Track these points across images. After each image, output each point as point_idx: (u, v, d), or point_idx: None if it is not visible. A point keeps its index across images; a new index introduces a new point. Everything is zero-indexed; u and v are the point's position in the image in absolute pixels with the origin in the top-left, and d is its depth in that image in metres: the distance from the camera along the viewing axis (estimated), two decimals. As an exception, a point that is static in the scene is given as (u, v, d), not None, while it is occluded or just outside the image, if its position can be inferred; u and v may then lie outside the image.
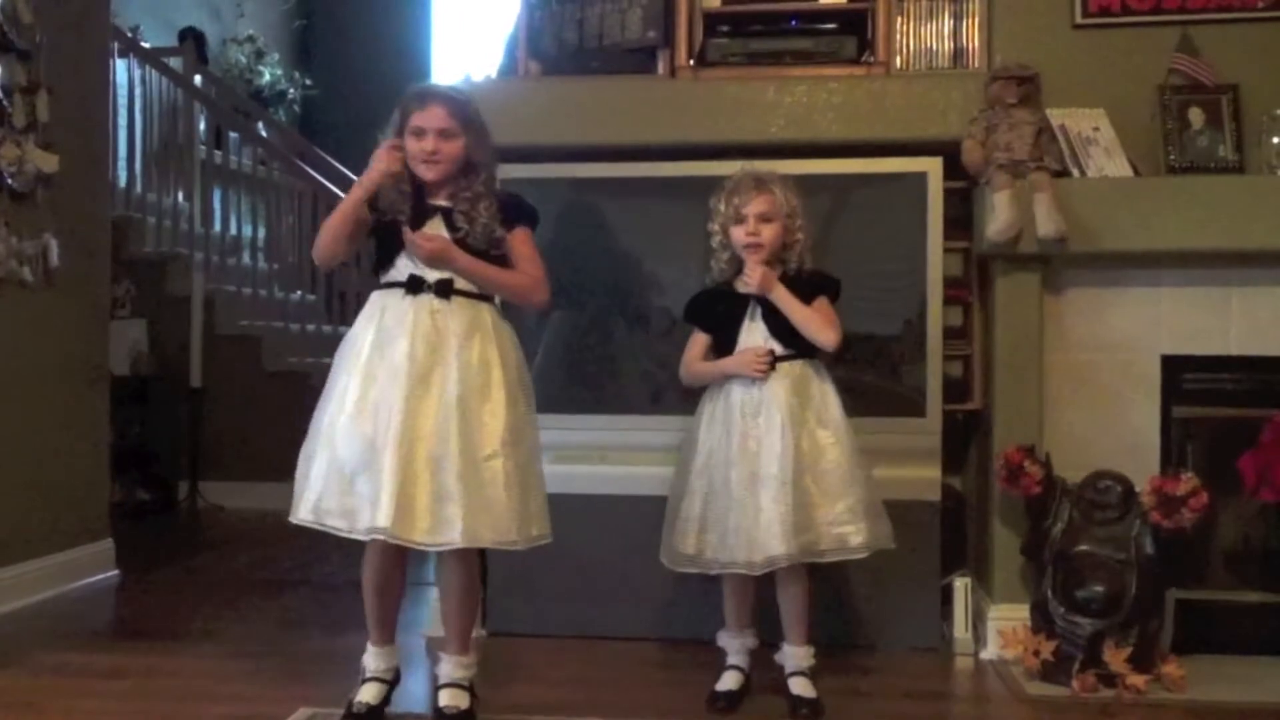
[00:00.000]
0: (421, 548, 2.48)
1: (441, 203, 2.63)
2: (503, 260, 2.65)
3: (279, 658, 3.11)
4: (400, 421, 2.44)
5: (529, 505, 2.56)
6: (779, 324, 2.73)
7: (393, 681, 2.67)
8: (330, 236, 2.65)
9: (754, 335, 2.75)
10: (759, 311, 2.75)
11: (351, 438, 2.47)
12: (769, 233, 2.73)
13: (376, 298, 2.62)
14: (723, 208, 2.78)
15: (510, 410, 2.55)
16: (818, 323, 2.71)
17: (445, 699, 2.58)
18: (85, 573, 4.02)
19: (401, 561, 2.63)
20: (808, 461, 2.65)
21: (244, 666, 3.02)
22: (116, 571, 4.17)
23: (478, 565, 2.70)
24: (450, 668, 2.62)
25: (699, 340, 2.85)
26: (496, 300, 2.67)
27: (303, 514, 2.52)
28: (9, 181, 3.61)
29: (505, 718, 2.63)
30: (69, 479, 3.99)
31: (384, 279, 2.62)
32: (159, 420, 5.87)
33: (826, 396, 2.73)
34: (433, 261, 2.56)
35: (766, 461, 2.64)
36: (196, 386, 6.03)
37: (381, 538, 2.45)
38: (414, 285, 2.56)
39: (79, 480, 4.05)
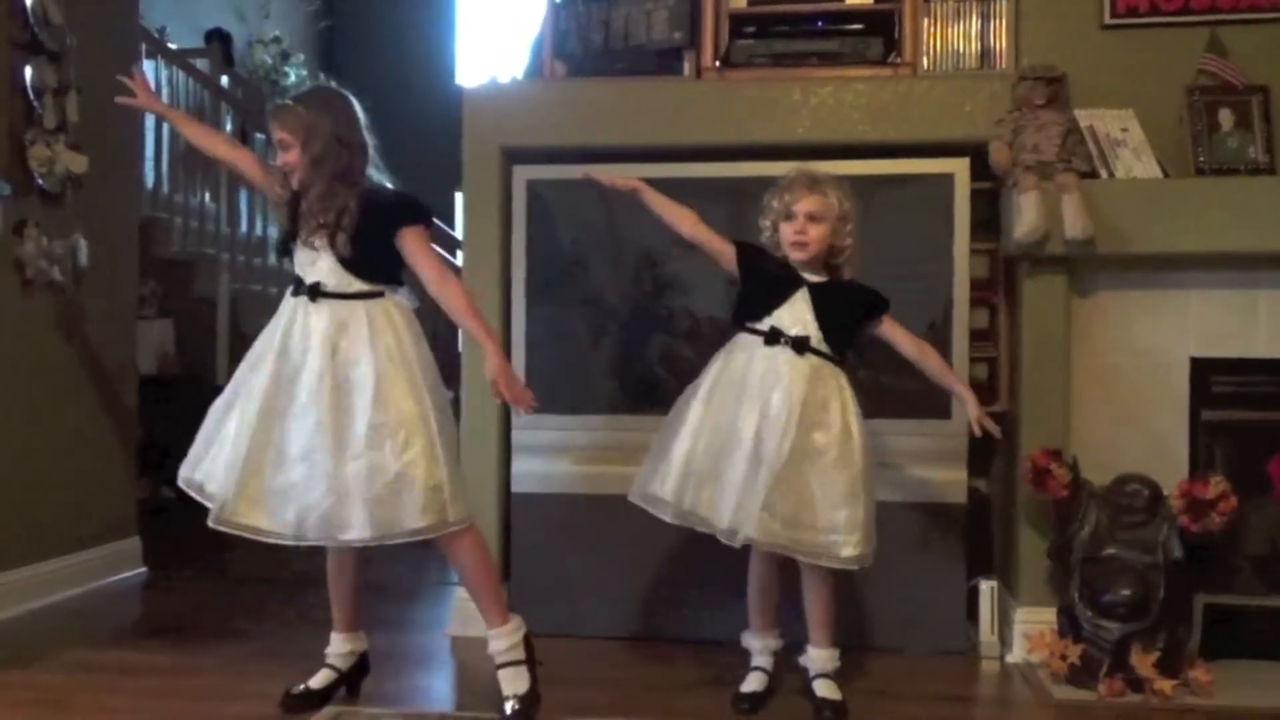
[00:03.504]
0: (266, 538, 2.64)
1: (318, 220, 2.60)
2: (397, 261, 2.63)
3: (305, 656, 3.12)
4: (256, 411, 2.68)
5: (402, 494, 2.51)
6: (826, 318, 2.68)
7: (350, 670, 2.71)
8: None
9: (788, 313, 2.69)
10: (810, 300, 2.69)
11: (224, 419, 2.82)
12: (816, 233, 2.69)
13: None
14: (775, 203, 2.74)
15: (392, 399, 2.53)
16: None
17: (506, 688, 2.56)
18: (113, 570, 4.05)
19: (351, 549, 2.67)
20: (811, 457, 2.60)
21: (270, 664, 3.04)
22: (144, 569, 4.20)
23: (473, 540, 2.62)
24: (498, 644, 2.59)
25: (729, 248, 2.80)
26: (388, 295, 2.62)
27: (185, 472, 2.80)
28: (40, 182, 3.64)
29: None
30: (96, 477, 4.02)
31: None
32: (185, 419, 5.84)
33: (844, 400, 2.67)
34: None
35: (768, 440, 2.58)
36: (222, 386, 6.05)
37: (222, 528, 2.61)
38: (297, 287, 2.65)
39: (106, 478, 4.08)
